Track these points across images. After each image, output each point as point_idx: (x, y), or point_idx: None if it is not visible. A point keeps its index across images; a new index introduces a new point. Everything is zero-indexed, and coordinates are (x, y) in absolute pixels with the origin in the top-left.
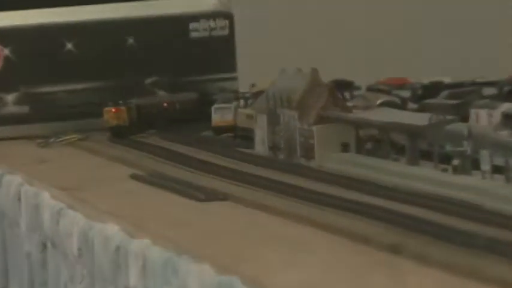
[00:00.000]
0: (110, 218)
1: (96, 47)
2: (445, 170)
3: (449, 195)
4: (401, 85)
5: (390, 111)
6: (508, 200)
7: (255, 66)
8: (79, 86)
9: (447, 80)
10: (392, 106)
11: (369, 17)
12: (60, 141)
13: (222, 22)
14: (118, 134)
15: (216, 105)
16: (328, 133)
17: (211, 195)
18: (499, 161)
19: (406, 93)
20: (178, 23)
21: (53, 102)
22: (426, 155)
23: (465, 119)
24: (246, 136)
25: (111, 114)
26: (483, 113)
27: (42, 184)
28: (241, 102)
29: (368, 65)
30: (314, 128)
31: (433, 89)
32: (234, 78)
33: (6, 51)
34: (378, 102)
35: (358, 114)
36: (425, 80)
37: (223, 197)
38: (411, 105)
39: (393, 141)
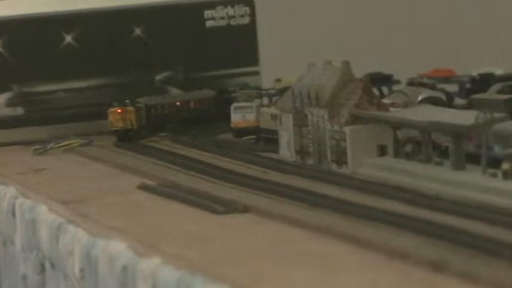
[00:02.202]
0: (115, 234)
1: (99, 40)
2: (494, 175)
3: (499, 203)
4: (447, 78)
5: (433, 109)
6: None
7: (280, 59)
8: (80, 84)
9: (499, 71)
10: (436, 102)
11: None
12: (59, 147)
13: (242, 9)
14: (124, 138)
15: (235, 104)
16: (362, 135)
17: (231, 207)
18: None
19: (452, 88)
20: (191, 11)
21: (50, 102)
22: (473, 159)
23: None
24: (270, 139)
25: (117, 115)
26: None
27: (39, 196)
28: (265, 100)
29: (408, 55)
30: (346, 129)
31: (483, 82)
32: (256, 73)
33: None
34: (420, 98)
35: (397, 113)
36: (474, 72)
37: (243, 209)
38: (458, 100)
39: (436, 143)
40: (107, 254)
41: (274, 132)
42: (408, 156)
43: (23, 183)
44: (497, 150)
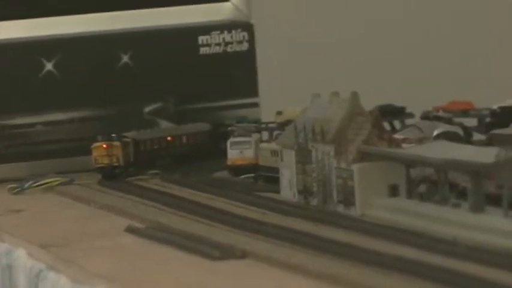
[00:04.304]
0: (101, 281)
1: (83, 68)
2: None
3: None
4: (465, 111)
5: (449, 146)
6: None
7: (281, 90)
8: (61, 117)
9: None
10: (453, 138)
11: (424, 25)
12: (38, 185)
13: (240, 34)
14: (110, 176)
15: (232, 139)
16: (371, 173)
17: (227, 253)
18: None
19: (470, 122)
20: (184, 37)
21: (28, 137)
22: (493, 200)
23: None
24: (270, 177)
25: (102, 151)
26: None
27: (17, 240)
28: (264, 134)
29: (423, 86)
30: (354, 167)
31: (504, 115)
32: (255, 105)
33: None
34: (435, 133)
35: (410, 150)
36: (495, 105)
37: (241, 254)
38: (477, 136)
39: (453, 183)
40: None
41: (275, 170)
42: (422, 197)
43: None
44: None
